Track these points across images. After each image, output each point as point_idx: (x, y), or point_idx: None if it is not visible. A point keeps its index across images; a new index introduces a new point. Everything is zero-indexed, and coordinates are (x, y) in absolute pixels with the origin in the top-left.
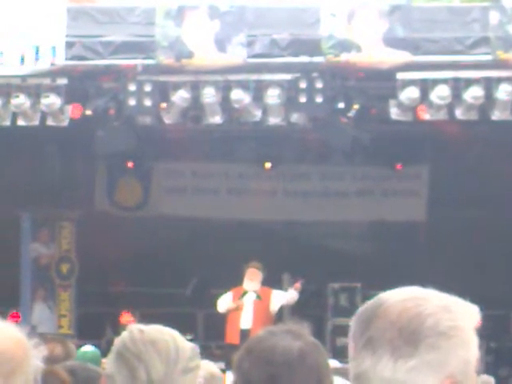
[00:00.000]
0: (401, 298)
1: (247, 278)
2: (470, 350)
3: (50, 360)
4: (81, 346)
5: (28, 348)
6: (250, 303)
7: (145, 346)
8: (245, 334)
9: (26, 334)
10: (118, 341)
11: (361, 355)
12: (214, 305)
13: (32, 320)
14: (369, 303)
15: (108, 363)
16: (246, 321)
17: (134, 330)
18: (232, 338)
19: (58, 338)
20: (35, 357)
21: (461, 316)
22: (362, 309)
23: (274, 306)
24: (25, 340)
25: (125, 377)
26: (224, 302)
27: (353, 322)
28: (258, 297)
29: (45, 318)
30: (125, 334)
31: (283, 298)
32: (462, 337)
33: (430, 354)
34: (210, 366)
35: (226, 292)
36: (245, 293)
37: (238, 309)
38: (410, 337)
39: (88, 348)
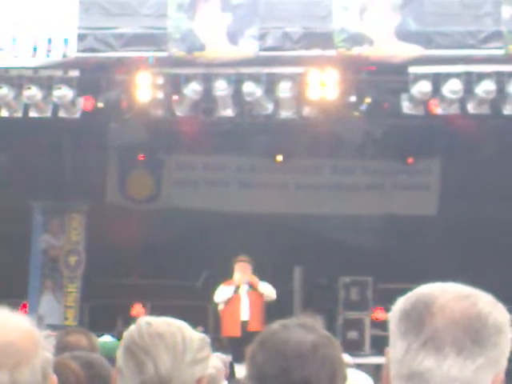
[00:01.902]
0: (452, 295)
1: (238, 271)
2: (510, 343)
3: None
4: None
5: (36, 339)
6: (244, 295)
7: (152, 339)
8: (244, 325)
9: (35, 325)
10: (126, 334)
11: (419, 354)
12: None
13: (39, 311)
14: (412, 301)
15: (117, 357)
16: (244, 312)
17: (142, 323)
18: (232, 330)
19: (81, 330)
20: (44, 348)
21: (503, 310)
22: (408, 307)
23: (267, 292)
24: (33, 331)
25: (132, 371)
26: (224, 292)
27: (398, 321)
28: (251, 287)
29: (52, 310)
30: (133, 328)
31: (269, 286)
32: (509, 332)
33: (492, 352)
34: (214, 359)
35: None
36: (238, 286)
37: (235, 299)
38: (475, 336)
39: (107, 338)
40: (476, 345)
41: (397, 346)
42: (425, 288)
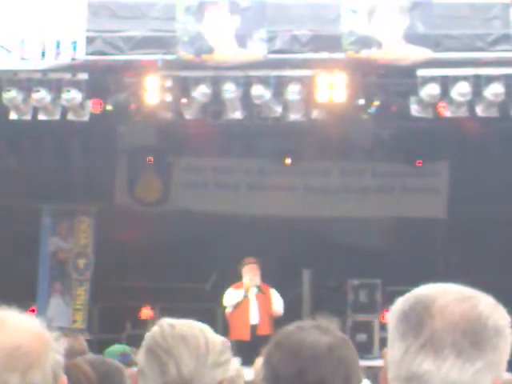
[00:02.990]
0: (452, 297)
1: (247, 274)
2: (509, 346)
3: (71, 355)
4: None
5: (47, 342)
6: (253, 298)
7: (175, 341)
8: (254, 329)
9: (45, 328)
10: (148, 335)
11: (418, 356)
12: None
13: (48, 314)
14: (411, 302)
15: (139, 358)
16: (253, 316)
17: (165, 325)
18: (242, 334)
19: (72, 333)
20: (55, 351)
21: (504, 312)
22: (406, 308)
23: (276, 304)
24: (44, 334)
25: (155, 372)
26: (234, 296)
27: (397, 322)
28: (260, 291)
29: (60, 313)
30: (155, 329)
31: (280, 300)
32: (509, 334)
33: (492, 355)
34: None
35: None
36: (248, 289)
37: (245, 303)
38: (474, 339)
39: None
40: (475, 348)
41: (395, 348)
42: (424, 289)
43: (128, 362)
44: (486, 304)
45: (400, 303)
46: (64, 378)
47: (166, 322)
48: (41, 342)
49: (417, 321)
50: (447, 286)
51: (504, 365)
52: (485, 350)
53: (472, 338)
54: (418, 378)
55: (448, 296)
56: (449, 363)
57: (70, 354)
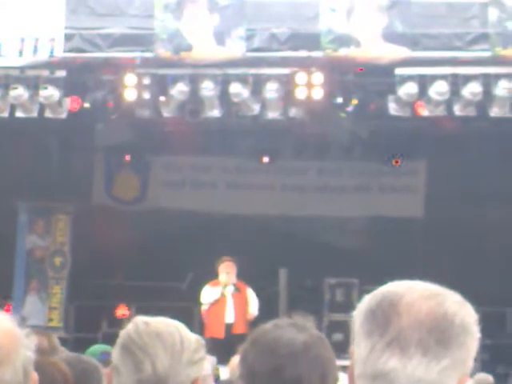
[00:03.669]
0: (419, 294)
1: (223, 271)
2: (476, 344)
3: (42, 353)
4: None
5: (17, 338)
6: (229, 297)
7: (150, 338)
8: (229, 328)
9: (16, 325)
10: (123, 333)
11: (384, 354)
12: None
13: (23, 312)
14: (377, 299)
15: (113, 355)
16: (228, 315)
17: (139, 322)
18: (216, 332)
19: (43, 331)
20: (26, 347)
21: (471, 310)
22: (373, 306)
23: (252, 305)
24: (14, 330)
25: (130, 369)
26: (211, 294)
27: (364, 320)
28: (237, 289)
29: (36, 311)
30: (130, 326)
31: (256, 302)
32: (476, 331)
33: (458, 353)
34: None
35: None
36: (224, 286)
37: (221, 301)
38: (440, 337)
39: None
40: (441, 345)
41: (361, 345)
42: (391, 286)
43: (108, 361)
44: (452, 301)
45: (367, 301)
46: (35, 375)
47: (141, 319)
48: (11, 338)
49: (383, 318)
50: (414, 283)
51: (471, 362)
52: (451, 347)
53: (438, 336)
54: (383, 376)
55: (415, 293)
56: (415, 361)
57: (42, 352)
